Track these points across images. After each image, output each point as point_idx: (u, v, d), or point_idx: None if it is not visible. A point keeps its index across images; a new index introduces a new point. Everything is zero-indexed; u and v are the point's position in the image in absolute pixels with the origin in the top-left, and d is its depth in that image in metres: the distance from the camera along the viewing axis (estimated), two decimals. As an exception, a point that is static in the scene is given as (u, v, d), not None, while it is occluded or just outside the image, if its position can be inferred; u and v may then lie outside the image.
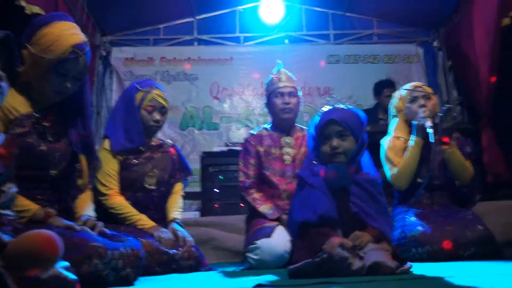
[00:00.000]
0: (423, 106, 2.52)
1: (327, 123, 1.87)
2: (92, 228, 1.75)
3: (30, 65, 1.71)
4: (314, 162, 1.90)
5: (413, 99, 2.58)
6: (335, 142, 1.85)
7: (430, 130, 2.33)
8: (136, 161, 2.39)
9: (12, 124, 1.68)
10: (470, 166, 2.44)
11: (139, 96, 2.42)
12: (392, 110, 2.73)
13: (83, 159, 1.90)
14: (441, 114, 2.39)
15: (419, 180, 2.48)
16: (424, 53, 5.55)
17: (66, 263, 1.20)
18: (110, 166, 2.33)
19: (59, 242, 1.10)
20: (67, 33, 1.73)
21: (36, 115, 1.75)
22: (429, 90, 2.63)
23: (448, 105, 2.44)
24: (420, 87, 2.63)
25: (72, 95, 1.82)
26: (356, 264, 1.59)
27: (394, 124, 2.66)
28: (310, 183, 1.82)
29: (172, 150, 2.57)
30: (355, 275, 1.57)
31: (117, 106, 2.53)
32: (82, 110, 1.88)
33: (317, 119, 1.95)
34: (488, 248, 2.15)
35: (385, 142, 2.62)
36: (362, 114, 1.97)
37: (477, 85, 4.54)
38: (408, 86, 2.67)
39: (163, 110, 2.47)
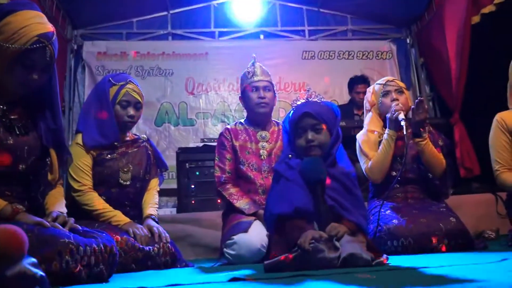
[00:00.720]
0: (395, 100, 2.55)
1: (301, 116, 1.87)
2: (63, 224, 1.70)
3: None
4: (290, 155, 1.90)
5: (386, 93, 2.60)
6: (310, 135, 1.85)
7: (403, 123, 2.36)
8: (110, 156, 2.34)
9: None
10: (442, 159, 2.48)
11: (113, 90, 2.35)
12: (366, 104, 2.76)
13: (53, 154, 1.84)
14: (413, 107, 2.43)
15: (393, 173, 2.51)
16: (397, 49, 5.65)
17: (33, 260, 1.16)
18: (83, 161, 2.27)
19: (24, 237, 1.05)
20: (33, 21, 1.66)
21: (2, 107, 1.69)
22: (401, 84, 2.66)
23: (420, 98, 2.47)
24: (393, 81, 2.66)
25: (40, 87, 1.76)
26: (331, 256, 1.60)
27: (368, 119, 2.69)
28: (286, 176, 1.82)
29: (147, 145, 2.53)
30: (330, 267, 1.57)
31: (90, 100, 2.46)
32: (51, 103, 1.82)
33: (291, 112, 1.95)
34: (461, 240, 2.19)
35: (360, 136, 2.64)
36: (335, 108, 1.98)
37: (448, 81, 4.64)
38: (381, 80, 2.71)
39: (138, 106, 2.41)
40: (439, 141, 2.56)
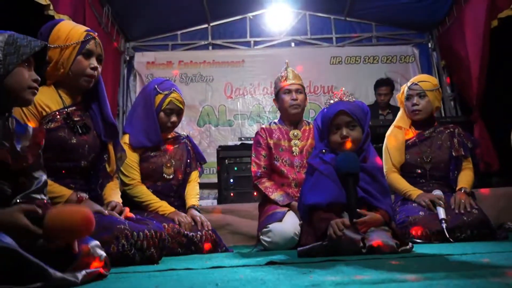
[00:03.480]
0: (415, 105, 2.45)
1: (336, 114, 1.84)
2: (120, 213, 1.75)
3: (59, 59, 1.73)
4: (323, 151, 1.87)
5: (408, 97, 2.49)
6: (345, 131, 1.82)
7: (444, 225, 2.10)
8: (154, 154, 2.38)
9: (45, 120, 1.69)
10: (472, 175, 2.39)
11: (158, 98, 2.37)
12: (398, 102, 2.67)
13: (111, 148, 1.90)
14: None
15: (419, 171, 2.44)
16: (420, 53, 5.51)
17: (97, 242, 1.20)
18: (131, 158, 2.31)
19: (92, 217, 1.12)
20: (74, 24, 1.83)
21: (67, 111, 1.75)
22: (426, 86, 2.46)
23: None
24: (417, 84, 2.49)
25: (92, 87, 1.83)
26: (354, 236, 1.57)
27: (398, 116, 2.62)
28: (320, 170, 1.79)
29: (186, 141, 2.56)
30: (356, 249, 1.55)
31: (137, 105, 2.47)
32: (99, 97, 1.86)
33: (325, 111, 1.92)
34: (482, 231, 2.10)
35: (388, 134, 2.56)
36: (366, 107, 1.95)
37: (469, 81, 4.49)
38: (410, 81, 2.57)
39: (180, 112, 2.44)
40: (468, 143, 2.45)
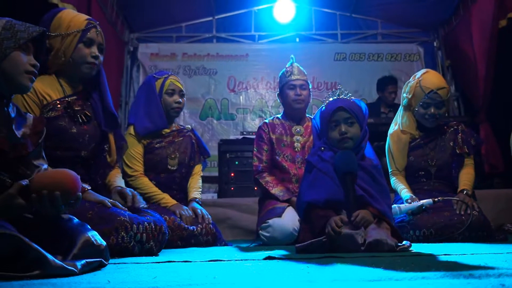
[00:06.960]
0: (432, 114, 2.36)
1: (335, 110, 1.85)
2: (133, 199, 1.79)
3: (60, 47, 1.74)
4: (322, 148, 1.88)
5: (427, 105, 2.36)
6: (344, 127, 1.83)
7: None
8: (159, 145, 2.40)
9: (46, 109, 1.70)
10: (473, 173, 2.39)
11: (158, 83, 2.43)
12: (403, 100, 2.51)
13: (111, 138, 1.91)
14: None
15: (421, 173, 2.44)
16: (425, 52, 5.48)
17: (95, 232, 1.21)
18: (135, 149, 2.34)
19: (78, 180, 1.18)
20: (76, 13, 1.85)
21: (68, 100, 1.76)
22: (445, 94, 2.35)
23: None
24: (436, 93, 2.33)
25: (94, 76, 1.84)
26: (358, 240, 1.58)
27: (403, 118, 2.49)
28: (319, 168, 1.80)
29: (191, 134, 2.57)
30: (357, 248, 1.56)
31: (139, 96, 2.54)
32: (99, 87, 1.88)
33: (324, 108, 1.92)
34: (482, 232, 2.10)
35: (391, 135, 2.52)
36: (364, 105, 1.95)
37: (475, 81, 4.47)
38: (427, 84, 2.36)
39: (181, 93, 2.48)
40: (471, 141, 2.44)
